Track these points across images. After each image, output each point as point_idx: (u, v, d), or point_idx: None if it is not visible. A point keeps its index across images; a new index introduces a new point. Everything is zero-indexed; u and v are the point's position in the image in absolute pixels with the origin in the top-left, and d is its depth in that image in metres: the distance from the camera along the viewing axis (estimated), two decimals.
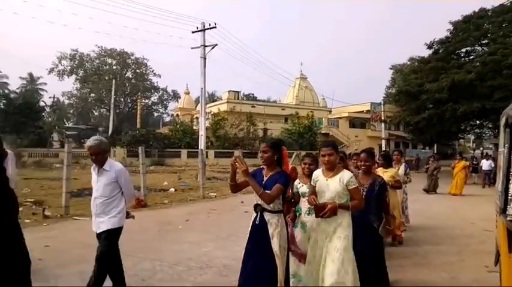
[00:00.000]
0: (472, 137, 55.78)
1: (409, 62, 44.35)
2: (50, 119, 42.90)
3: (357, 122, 47.57)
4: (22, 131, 32.77)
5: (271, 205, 3.08)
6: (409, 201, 7.39)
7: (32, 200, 9.98)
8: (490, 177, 17.67)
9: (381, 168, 5.89)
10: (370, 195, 3.78)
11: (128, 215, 3.93)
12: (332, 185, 3.25)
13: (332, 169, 3.30)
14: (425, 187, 15.06)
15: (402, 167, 6.87)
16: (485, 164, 18.40)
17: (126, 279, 4.01)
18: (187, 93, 54.42)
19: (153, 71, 55.30)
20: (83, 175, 19.38)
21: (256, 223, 3.12)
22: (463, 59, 27.10)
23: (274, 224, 3.08)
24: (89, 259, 5.36)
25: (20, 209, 8.84)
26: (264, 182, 3.15)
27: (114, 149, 33.12)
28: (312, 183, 3.47)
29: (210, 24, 20.91)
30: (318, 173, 3.43)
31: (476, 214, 9.46)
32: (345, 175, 3.25)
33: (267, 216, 3.10)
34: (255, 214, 3.16)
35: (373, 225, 3.73)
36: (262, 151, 3.21)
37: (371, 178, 3.90)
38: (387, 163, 5.98)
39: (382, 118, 39.63)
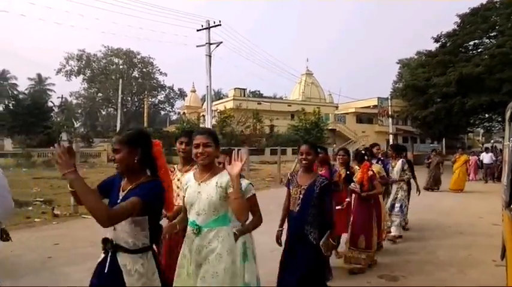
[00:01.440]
0: (481, 131, 55.14)
1: (416, 56, 43.91)
2: (58, 119, 43.41)
3: (364, 117, 47.25)
4: (31, 131, 33.19)
5: (130, 241, 1.87)
6: (413, 198, 6.85)
7: (41, 199, 10.13)
8: (492, 171, 16.77)
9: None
10: (308, 199, 3.02)
11: (3, 236, 2.79)
12: (205, 192, 2.25)
13: (208, 169, 2.31)
14: (425, 184, 13.38)
15: (399, 163, 6.42)
16: (486, 158, 17.28)
17: None
18: (194, 91, 54.50)
19: (159, 69, 55.67)
20: (91, 174, 19.64)
21: (105, 271, 1.88)
22: (471, 52, 26.79)
23: (136, 274, 1.85)
24: (97, 257, 5.46)
25: (30, 208, 9.04)
26: (119, 200, 1.92)
27: None
28: (182, 192, 2.49)
29: (214, 22, 20.96)
30: (189, 177, 2.43)
31: (484, 208, 9.38)
32: (225, 176, 2.22)
33: (123, 259, 1.87)
34: (103, 255, 1.97)
35: (309, 238, 2.94)
36: (113, 149, 1.97)
37: (311, 176, 3.14)
38: (371, 158, 5.49)
39: (390, 113, 39.32)
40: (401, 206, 6.30)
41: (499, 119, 29.29)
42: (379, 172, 5.36)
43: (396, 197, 6.39)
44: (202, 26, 21.11)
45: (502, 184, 3.64)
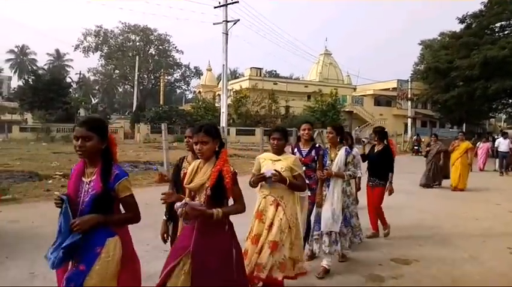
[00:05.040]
0: (504, 117, 53.52)
1: (439, 37, 42.48)
2: (76, 95, 44.15)
3: (382, 99, 46.40)
4: (50, 106, 33.84)
5: None
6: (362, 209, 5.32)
7: (61, 173, 10.41)
8: (508, 161, 14.32)
9: (267, 154, 3.50)
10: None
11: None
12: None
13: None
14: (422, 181, 10.37)
15: (341, 153, 4.03)
16: (503, 144, 14.19)
17: (148, 250, 4.18)
18: (210, 70, 54.34)
19: (175, 47, 55.55)
20: None
21: None
22: (497, 34, 25.84)
23: None
24: None
25: (50, 181, 9.31)
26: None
27: (138, 125, 33.85)
28: None
29: None
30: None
31: (503, 196, 9.21)
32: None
33: None
34: None
35: None
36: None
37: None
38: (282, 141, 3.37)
39: (409, 96, 38.48)
40: (345, 218, 4.09)
41: None
42: (291, 167, 3.26)
43: (333, 204, 3.94)
44: (219, 2, 20.86)
45: None
